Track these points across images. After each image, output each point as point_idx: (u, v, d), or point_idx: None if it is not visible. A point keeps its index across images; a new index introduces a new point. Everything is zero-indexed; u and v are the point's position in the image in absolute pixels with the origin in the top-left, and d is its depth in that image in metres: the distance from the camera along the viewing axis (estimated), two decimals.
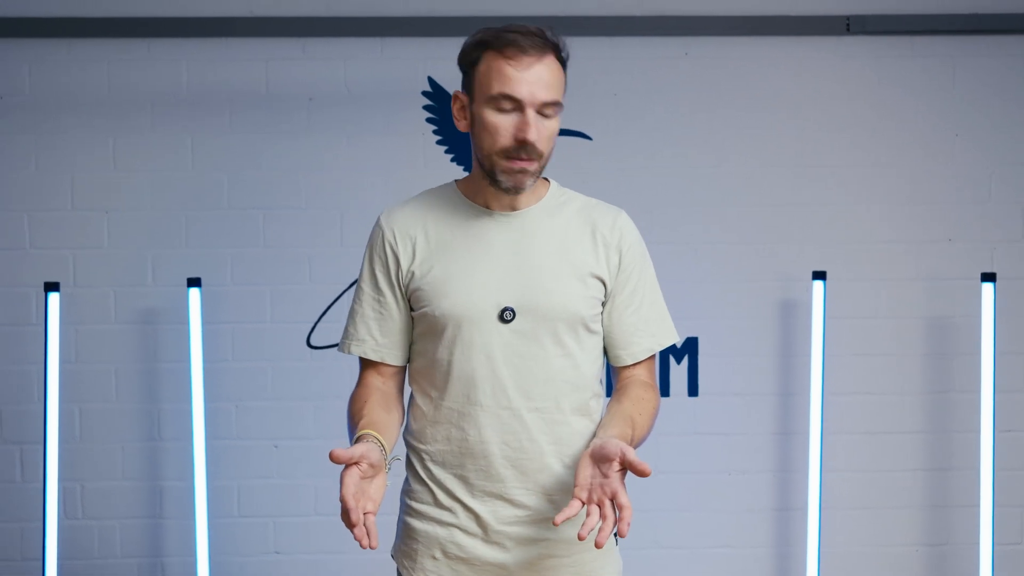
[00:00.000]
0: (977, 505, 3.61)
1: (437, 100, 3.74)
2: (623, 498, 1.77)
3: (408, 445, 2.10)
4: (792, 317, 3.80)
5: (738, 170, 3.79)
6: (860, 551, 3.84)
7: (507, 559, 2.02)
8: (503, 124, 1.94)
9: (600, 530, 1.77)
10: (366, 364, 2.11)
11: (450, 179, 2.15)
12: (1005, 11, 3.76)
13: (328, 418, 3.70)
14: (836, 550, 3.80)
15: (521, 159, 1.95)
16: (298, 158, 3.74)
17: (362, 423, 1.96)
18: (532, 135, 1.93)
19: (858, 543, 3.84)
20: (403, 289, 2.06)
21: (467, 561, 2.03)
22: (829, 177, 3.80)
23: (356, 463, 1.81)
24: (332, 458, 1.79)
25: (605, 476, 1.80)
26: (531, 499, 2.01)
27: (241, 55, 3.71)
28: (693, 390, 3.81)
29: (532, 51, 1.93)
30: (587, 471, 1.83)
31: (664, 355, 3.79)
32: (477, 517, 2.02)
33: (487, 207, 2.05)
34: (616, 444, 1.81)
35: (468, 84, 1.99)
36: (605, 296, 2.06)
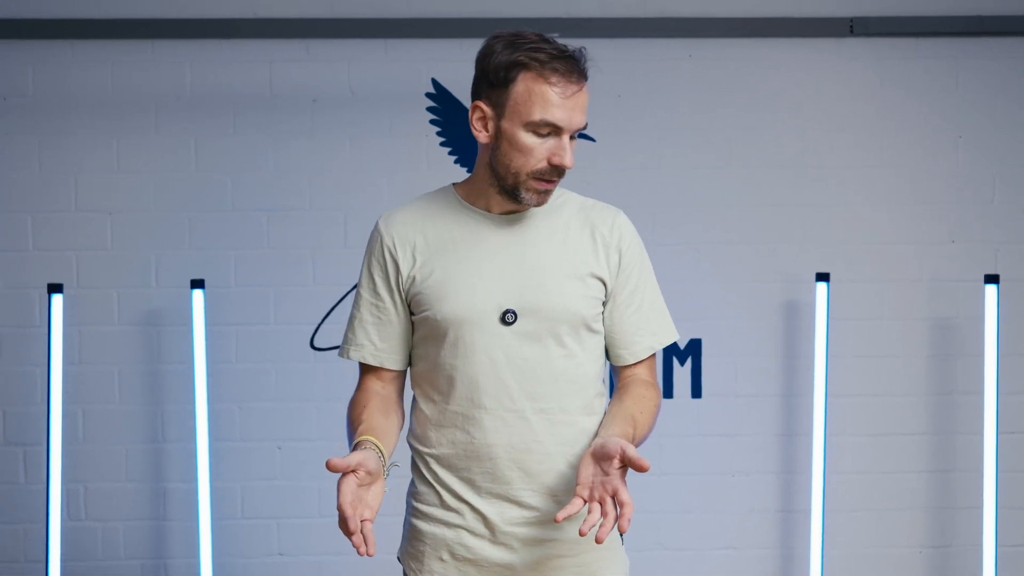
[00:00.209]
0: (981, 507, 3.60)
1: (440, 102, 3.74)
2: (624, 495, 1.78)
3: (412, 448, 2.11)
4: (795, 318, 3.80)
5: (741, 171, 3.79)
6: (864, 553, 3.84)
7: (514, 560, 2.03)
8: (538, 147, 1.95)
9: (600, 526, 1.78)
10: (365, 369, 2.11)
11: (454, 180, 2.15)
12: (1008, 13, 3.76)
13: (332, 420, 3.70)
14: (840, 552, 3.80)
15: (552, 181, 1.98)
16: (301, 159, 3.74)
17: (361, 429, 1.96)
18: (569, 161, 1.96)
19: (862, 545, 3.84)
20: (403, 294, 2.06)
21: (474, 562, 2.03)
22: (832, 178, 3.80)
23: (353, 471, 1.82)
24: (329, 467, 1.79)
25: (606, 474, 1.81)
26: (537, 500, 2.01)
27: (245, 56, 3.71)
28: (696, 392, 3.81)
29: (574, 78, 1.95)
30: (588, 470, 1.84)
31: (667, 357, 3.80)
32: (484, 518, 2.02)
33: (487, 210, 2.05)
34: (616, 442, 1.82)
35: (497, 99, 1.97)
36: (605, 296, 2.06)
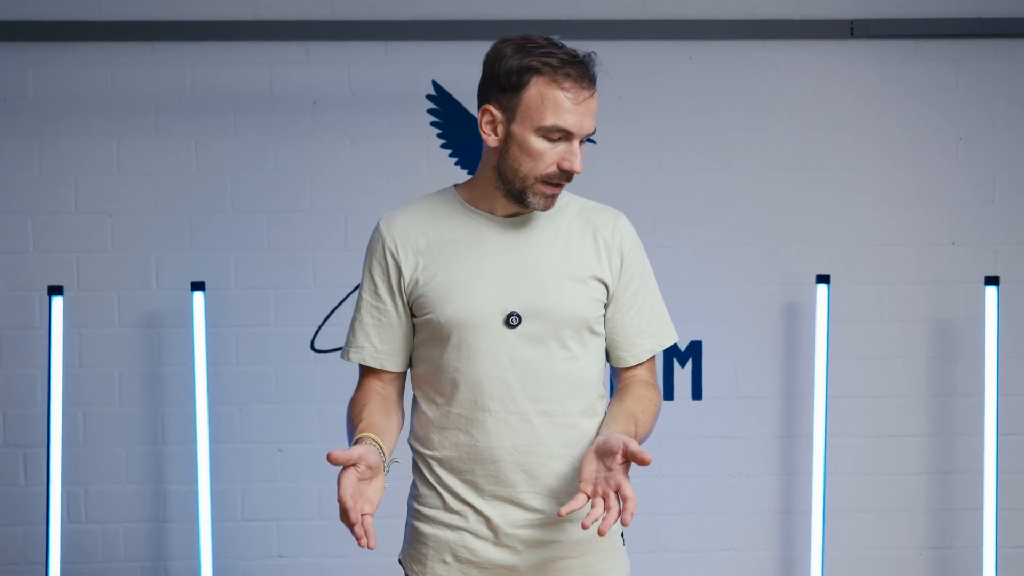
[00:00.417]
0: (981, 508, 3.60)
1: (441, 103, 3.74)
2: (627, 489, 1.79)
3: (414, 451, 2.10)
4: (795, 320, 3.80)
5: (742, 173, 3.79)
6: (864, 554, 3.84)
7: (518, 561, 2.03)
8: (549, 152, 1.95)
9: (603, 520, 1.79)
10: (366, 370, 2.11)
11: (455, 182, 2.15)
12: (1009, 15, 3.76)
13: (332, 422, 3.70)
14: (840, 553, 3.80)
15: (559, 185, 1.98)
16: (302, 161, 3.74)
17: (361, 426, 1.97)
18: (579, 166, 1.96)
19: (862, 546, 3.84)
20: (404, 296, 2.05)
21: (478, 565, 2.03)
22: (832, 180, 3.80)
23: (354, 464, 1.82)
24: (330, 459, 1.80)
25: (609, 470, 1.82)
26: (541, 502, 2.01)
27: (245, 58, 3.71)
28: (697, 393, 3.81)
29: (585, 83, 1.94)
30: (591, 466, 1.85)
31: (668, 358, 3.80)
32: (487, 520, 2.02)
33: (490, 213, 2.05)
34: (619, 438, 1.83)
35: (507, 103, 1.96)
36: (607, 298, 2.07)
